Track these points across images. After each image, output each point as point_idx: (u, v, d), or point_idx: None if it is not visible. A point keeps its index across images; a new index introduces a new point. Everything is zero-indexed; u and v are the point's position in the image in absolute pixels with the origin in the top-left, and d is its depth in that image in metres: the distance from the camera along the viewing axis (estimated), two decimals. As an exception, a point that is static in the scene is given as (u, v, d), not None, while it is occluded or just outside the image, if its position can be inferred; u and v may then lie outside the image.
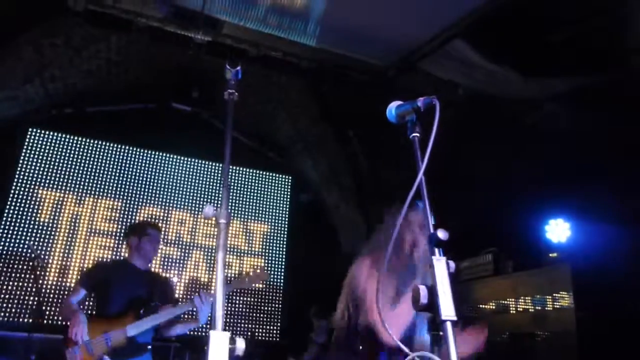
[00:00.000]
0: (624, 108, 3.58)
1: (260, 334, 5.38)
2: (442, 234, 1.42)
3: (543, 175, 4.32)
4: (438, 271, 1.37)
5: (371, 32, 4.03)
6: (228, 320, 5.40)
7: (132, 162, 5.60)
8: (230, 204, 5.04)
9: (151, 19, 3.82)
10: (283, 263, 5.68)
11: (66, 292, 5.13)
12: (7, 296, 4.94)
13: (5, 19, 4.02)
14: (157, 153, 5.66)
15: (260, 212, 5.73)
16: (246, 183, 5.80)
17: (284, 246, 5.76)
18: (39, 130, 5.41)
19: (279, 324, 5.52)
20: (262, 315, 5.38)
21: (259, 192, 5.81)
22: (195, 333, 4.65)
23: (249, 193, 5.77)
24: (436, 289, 1.35)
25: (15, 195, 5.23)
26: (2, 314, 4.90)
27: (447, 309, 1.32)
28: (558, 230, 4.45)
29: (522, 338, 4.91)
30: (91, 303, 3.39)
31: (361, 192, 5.19)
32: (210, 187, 5.70)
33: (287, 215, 5.73)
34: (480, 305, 5.49)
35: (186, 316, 3.21)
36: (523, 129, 4.31)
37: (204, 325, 3.26)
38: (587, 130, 3.95)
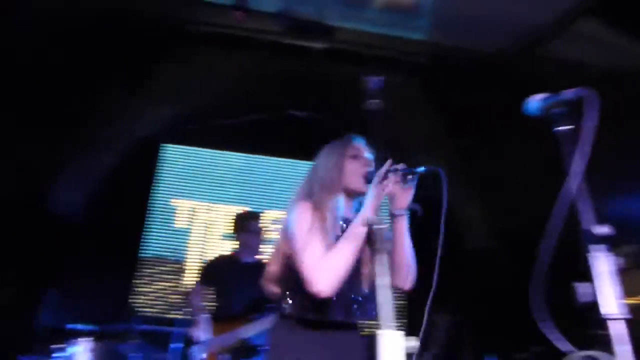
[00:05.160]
0: None
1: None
2: (600, 230, 1.39)
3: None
4: (597, 268, 1.34)
5: (485, 18, 3.91)
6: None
7: (256, 169, 5.97)
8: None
9: (270, 33, 4.04)
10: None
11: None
12: (155, 295, 5.51)
13: (137, 47, 4.48)
14: (278, 160, 6.01)
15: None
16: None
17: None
18: (171, 146, 5.95)
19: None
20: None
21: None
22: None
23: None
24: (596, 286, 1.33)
25: (154, 206, 5.79)
26: (153, 310, 5.47)
27: (610, 307, 1.29)
28: None
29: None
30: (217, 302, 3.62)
31: (483, 186, 5.06)
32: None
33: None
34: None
35: None
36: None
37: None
38: None
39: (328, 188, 1.97)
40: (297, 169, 5.99)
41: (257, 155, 5.99)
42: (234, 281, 3.39)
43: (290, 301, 1.91)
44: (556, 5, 3.49)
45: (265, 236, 3.67)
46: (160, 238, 5.71)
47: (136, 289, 5.48)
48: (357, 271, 1.93)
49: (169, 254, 5.67)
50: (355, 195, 2.05)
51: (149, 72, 4.87)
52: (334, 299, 1.86)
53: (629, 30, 3.40)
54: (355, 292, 1.95)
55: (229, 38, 4.13)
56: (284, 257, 1.98)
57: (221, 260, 3.74)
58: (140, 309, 5.39)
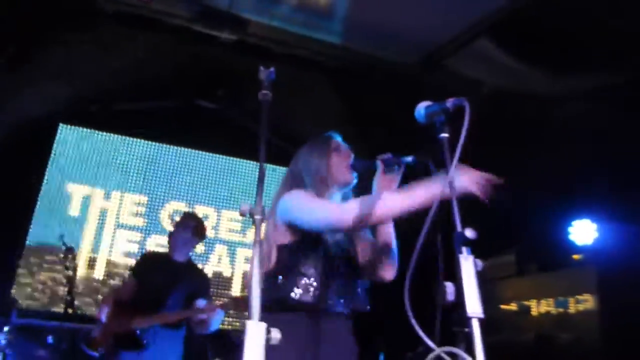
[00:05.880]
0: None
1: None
2: (469, 233, 1.45)
3: (567, 175, 4.28)
4: (465, 269, 1.41)
5: (395, 29, 4.05)
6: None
7: (158, 158, 5.73)
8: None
9: (179, 18, 3.90)
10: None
11: (94, 283, 5.29)
12: (39, 286, 5.11)
13: (35, 18, 4.16)
14: (181, 149, 5.79)
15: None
16: (271, 179, 5.86)
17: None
18: (68, 127, 5.56)
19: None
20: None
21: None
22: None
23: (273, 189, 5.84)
24: (462, 286, 1.38)
25: (46, 191, 5.38)
26: (36, 303, 5.06)
27: (474, 306, 1.36)
28: (583, 232, 4.38)
29: (546, 340, 4.86)
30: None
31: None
32: (235, 182, 5.79)
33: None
34: (502, 306, 5.46)
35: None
36: (547, 128, 4.29)
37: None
38: (614, 129, 3.91)
39: (323, 181, 1.93)
40: (201, 161, 5.82)
41: (160, 144, 5.75)
42: (157, 277, 3.32)
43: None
44: (456, 25, 3.71)
45: (195, 238, 3.54)
46: (51, 225, 5.32)
47: (19, 280, 5.07)
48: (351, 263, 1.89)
49: (59, 242, 5.28)
50: (341, 187, 2.00)
51: (49, 46, 4.53)
52: (329, 288, 1.76)
53: (518, 53, 3.69)
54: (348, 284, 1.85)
55: (136, 18, 3.93)
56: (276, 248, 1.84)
57: (152, 256, 3.81)
58: (22, 301, 4.98)
